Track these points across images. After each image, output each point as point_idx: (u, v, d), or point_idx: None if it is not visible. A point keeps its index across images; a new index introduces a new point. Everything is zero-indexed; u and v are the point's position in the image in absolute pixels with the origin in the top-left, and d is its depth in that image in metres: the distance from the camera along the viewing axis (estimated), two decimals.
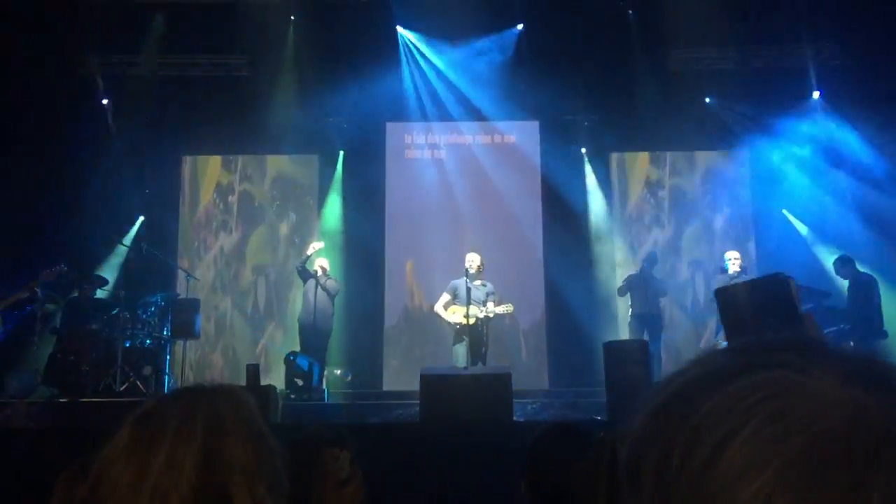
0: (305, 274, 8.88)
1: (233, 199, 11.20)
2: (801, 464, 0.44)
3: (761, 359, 0.51)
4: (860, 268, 8.65)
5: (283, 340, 10.36)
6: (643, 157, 11.31)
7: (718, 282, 8.28)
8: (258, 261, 11.05)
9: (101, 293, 8.96)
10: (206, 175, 11.29)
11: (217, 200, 11.18)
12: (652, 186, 11.23)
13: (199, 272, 10.53)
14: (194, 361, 10.25)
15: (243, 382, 6.31)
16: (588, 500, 1.42)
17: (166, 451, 0.97)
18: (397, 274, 10.80)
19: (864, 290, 8.44)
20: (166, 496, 0.95)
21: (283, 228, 11.14)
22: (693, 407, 0.49)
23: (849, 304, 8.56)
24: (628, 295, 9.22)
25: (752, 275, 9.15)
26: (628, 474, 0.52)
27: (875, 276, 8.63)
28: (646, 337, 8.54)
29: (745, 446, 0.46)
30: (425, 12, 10.48)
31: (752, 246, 10.84)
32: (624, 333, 9.33)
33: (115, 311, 8.26)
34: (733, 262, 8.27)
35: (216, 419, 1.02)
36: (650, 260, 9.36)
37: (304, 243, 9.90)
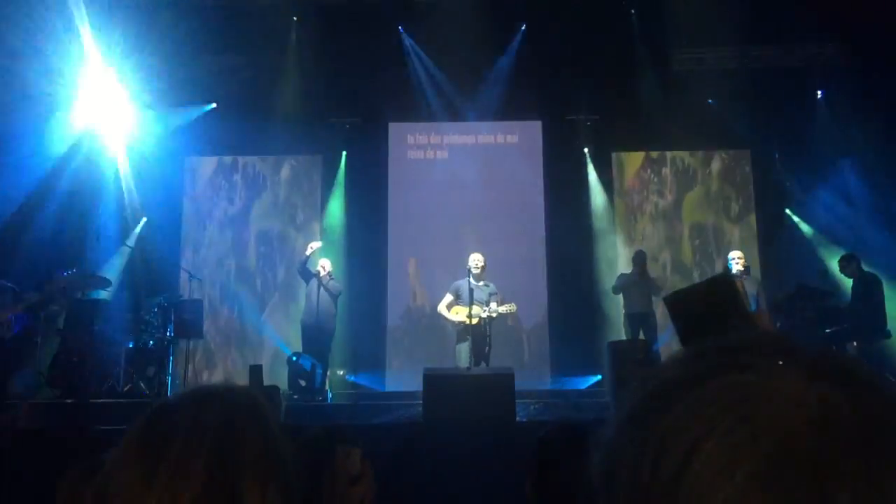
0: (307, 274, 8.88)
1: (237, 197, 11.21)
2: (769, 469, 0.44)
3: (723, 362, 0.50)
4: (865, 267, 8.63)
5: (287, 342, 10.37)
6: (645, 157, 11.30)
7: None
8: (263, 257, 11.06)
9: (104, 294, 8.97)
10: (209, 174, 11.31)
11: (219, 198, 11.20)
12: (654, 187, 11.22)
13: (204, 272, 10.54)
14: (198, 362, 10.27)
15: (246, 383, 6.32)
16: (594, 499, 1.42)
17: (177, 451, 0.97)
18: (400, 274, 10.81)
19: (868, 289, 8.42)
20: (176, 497, 0.95)
21: (288, 229, 11.15)
22: (659, 415, 0.49)
23: (852, 302, 8.54)
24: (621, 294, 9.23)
25: (755, 276, 9.14)
26: (602, 484, 0.52)
27: (880, 275, 8.62)
28: (642, 336, 8.54)
29: (713, 454, 0.45)
30: (427, 13, 10.46)
31: (755, 246, 10.83)
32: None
33: (118, 313, 8.28)
34: (737, 261, 8.26)
35: (227, 420, 1.01)
36: (639, 258, 9.34)
37: (306, 244, 9.89)
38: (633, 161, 11.33)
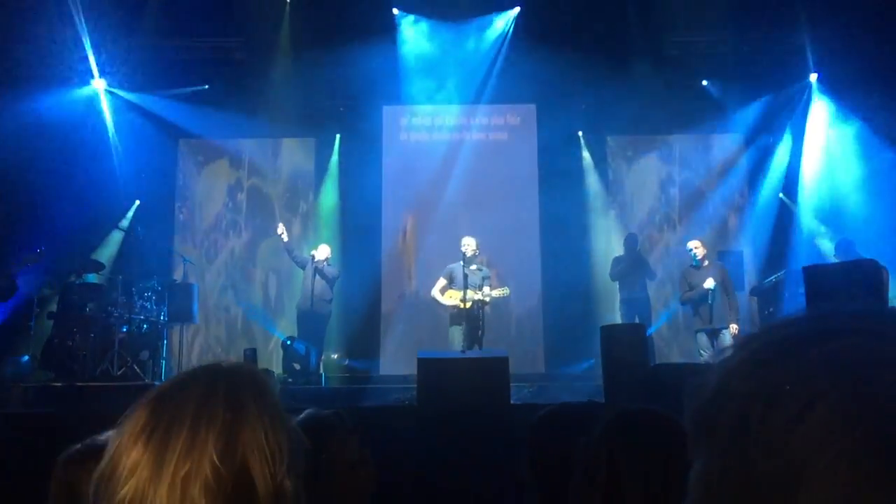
0: (300, 260, 8.84)
1: (226, 177, 11.17)
2: (886, 431, 0.43)
3: (843, 325, 0.50)
4: (859, 251, 8.66)
5: (282, 326, 10.38)
6: (640, 140, 11.29)
7: (690, 275, 8.28)
8: (257, 240, 11.03)
9: (97, 278, 8.94)
10: (202, 157, 11.25)
11: (213, 181, 11.15)
12: (648, 170, 11.22)
13: (197, 256, 10.52)
14: (192, 346, 10.27)
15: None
16: (590, 478, 1.42)
17: (187, 433, 0.97)
18: (394, 258, 10.80)
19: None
20: (188, 479, 0.94)
21: (282, 212, 11.11)
22: (775, 367, 0.49)
23: None
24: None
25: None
26: (698, 426, 0.52)
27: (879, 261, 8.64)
28: (637, 321, 8.56)
29: (830, 411, 0.45)
30: None
31: (747, 228, 10.86)
32: (619, 318, 9.34)
33: (111, 296, 8.24)
34: (695, 250, 8.27)
35: (237, 400, 1.01)
36: (631, 241, 9.34)
37: (304, 227, 9.88)
38: (630, 146, 11.31)
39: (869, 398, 0.45)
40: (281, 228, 8.85)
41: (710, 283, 7.96)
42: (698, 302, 8.09)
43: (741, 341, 0.54)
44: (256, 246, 11.01)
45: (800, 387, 0.47)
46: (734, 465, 0.49)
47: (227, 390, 1.01)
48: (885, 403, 0.44)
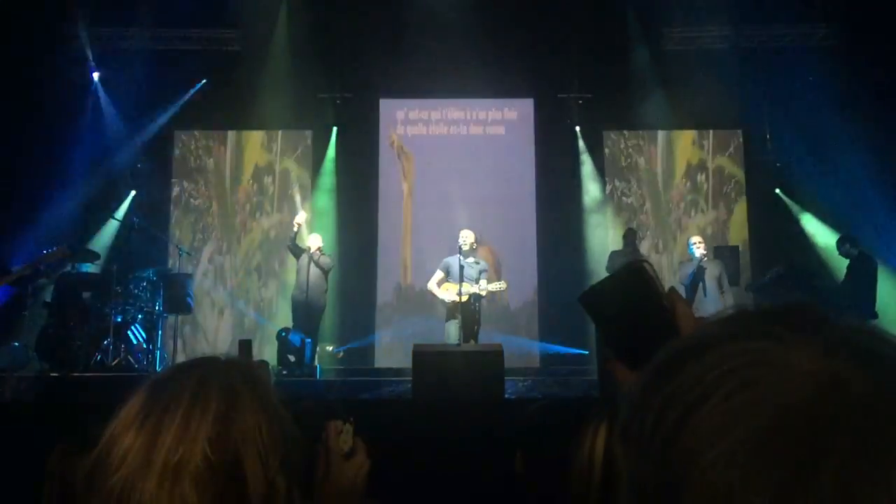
0: (297, 250, 8.85)
1: (223, 169, 11.14)
2: (761, 436, 0.44)
3: (747, 328, 0.51)
4: (861, 248, 8.69)
5: (276, 317, 10.38)
6: (637, 135, 11.28)
7: (685, 267, 8.33)
8: (253, 232, 11.02)
9: (92, 267, 8.92)
10: (199, 148, 11.22)
11: (209, 172, 11.12)
12: (644, 164, 11.22)
13: (193, 246, 10.51)
14: (186, 337, 10.27)
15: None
16: (585, 472, 1.42)
17: (179, 421, 0.96)
18: (390, 250, 10.79)
19: (860, 269, 8.51)
20: (179, 467, 0.94)
21: (278, 204, 11.10)
22: (673, 373, 0.50)
23: (843, 282, 8.62)
24: None
25: (745, 257, 9.13)
26: (621, 438, 0.53)
27: (874, 256, 8.68)
28: None
29: (714, 412, 0.46)
30: None
31: (744, 226, 10.88)
32: None
33: (106, 286, 8.23)
34: (697, 245, 8.28)
35: (230, 391, 1.00)
36: (630, 235, 9.35)
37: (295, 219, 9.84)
38: (626, 141, 11.31)
39: (749, 400, 0.46)
40: (299, 221, 8.87)
41: (715, 270, 8.02)
42: (694, 280, 8.08)
43: (661, 350, 0.54)
44: (252, 237, 10.99)
45: (689, 390, 0.48)
46: (640, 473, 0.50)
47: (222, 382, 1.01)
48: (761, 406, 0.45)
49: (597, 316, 0.84)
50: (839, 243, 8.83)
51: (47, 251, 7.40)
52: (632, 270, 0.83)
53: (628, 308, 0.82)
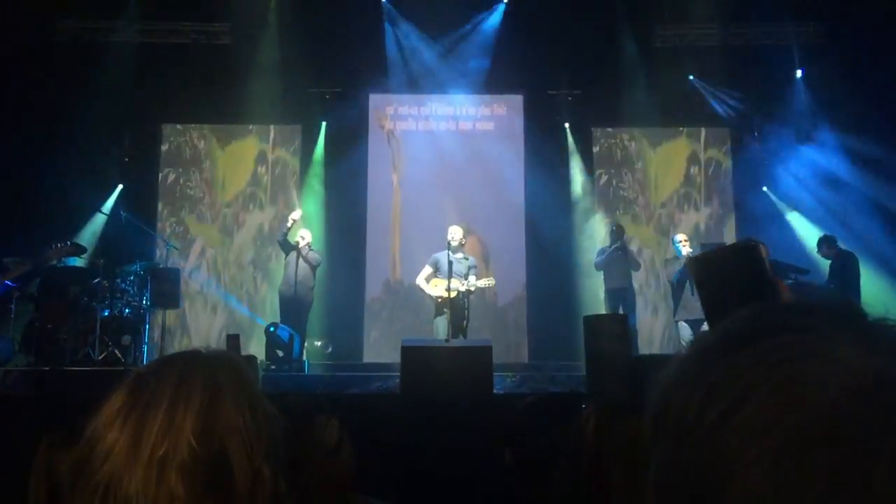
0: (286, 246, 8.83)
1: (211, 166, 11.10)
2: (810, 428, 0.44)
3: (791, 322, 0.50)
4: (841, 245, 8.79)
5: (263, 312, 10.36)
6: (625, 132, 11.31)
7: (671, 265, 8.39)
8: (241, 226, 10.99)
9: (79, 261, 8.86)
10: (187, 142, 11.17)
11: (197, 166, 11.08)
12: (632, 161, 11.25)
13: (180, 241, 10.47)
14: (174, 331, 10.23)
15: None
16: (572, 467, 1.43)
17: (164, 415, 0.96)
18: (379, 246, 10.78)
19: (843, 265, 8.61)
20: (164, 461, 0.94)
21: (266, 199, 11.07)
22: (717, 363, 0.50)
23: (828, 280, 8.69)
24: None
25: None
26: (653, 422, 0.53)
27: (857, 254, 8.77)
28: (622, 311, 8.60)
29: (760, 406, 0.46)
30: None
31: (732, 224, 10.93)
32: (603, 308, 9.38)
33: (93, 280, 8.18)
34: (683, 243, 8.32)
35: (214, 384, 1.01)
36: (618, 232, 9.38)
37: (285, 215, 9.83)
38: (615, 138, 11.33)
39: (795, 396, 0.45)
40: (294, 218, 8.86)
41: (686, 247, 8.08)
42: (680, 279, 8.11)
43: (699, 337, 0.54)
44: (240, 232, 10.96)
45: (733, 383, 0.48)
46: (676, 460, 0.49)
47: (206, 375, 1.01)
48: (809, 402, 0.45)
49: (702, 281, 0.84)
50: (818, 246, 8.93)
51: (52, 247, 7.34)
52: (747, 248, 0.83)
53: (735, 281, 0.82)
